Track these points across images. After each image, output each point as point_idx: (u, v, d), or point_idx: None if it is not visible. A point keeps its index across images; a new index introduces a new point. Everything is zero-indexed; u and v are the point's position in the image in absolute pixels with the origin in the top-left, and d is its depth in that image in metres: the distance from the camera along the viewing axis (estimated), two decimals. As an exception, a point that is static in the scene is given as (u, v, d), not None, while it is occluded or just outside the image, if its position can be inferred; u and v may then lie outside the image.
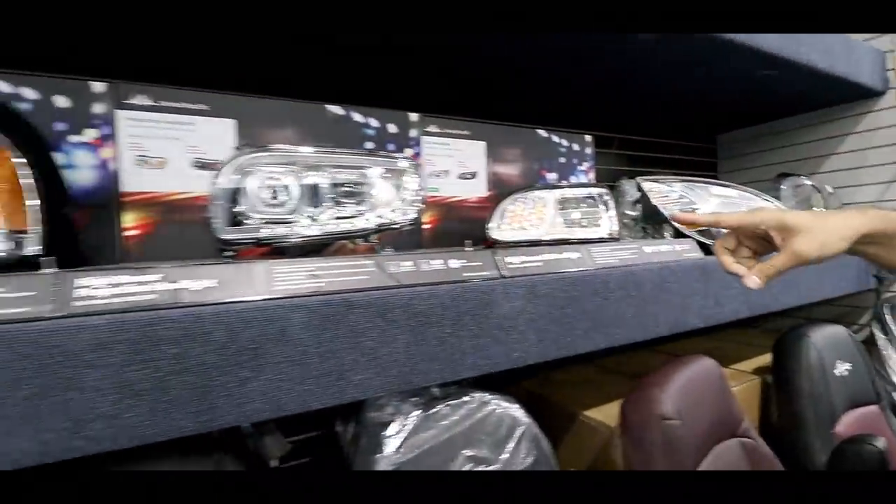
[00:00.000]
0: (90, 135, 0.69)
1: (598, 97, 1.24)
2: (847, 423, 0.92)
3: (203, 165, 0.76)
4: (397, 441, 0.57)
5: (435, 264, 0.64)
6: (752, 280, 0.51)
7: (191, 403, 0.46)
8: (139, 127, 0.71)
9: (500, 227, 0.78)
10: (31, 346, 0.40)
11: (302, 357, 0.51)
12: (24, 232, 0.53)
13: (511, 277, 0.68)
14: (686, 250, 0.94)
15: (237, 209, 0.60)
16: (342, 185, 0.65)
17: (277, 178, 0.61)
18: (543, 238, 0.80)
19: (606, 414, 0.88)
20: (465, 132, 1.01)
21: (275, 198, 0.62)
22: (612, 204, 0.95)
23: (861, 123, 1.34)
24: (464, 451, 0.60)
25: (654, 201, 1.08)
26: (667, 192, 1.10)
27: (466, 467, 0.59)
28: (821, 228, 0.47)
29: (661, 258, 0.88)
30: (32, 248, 0.53)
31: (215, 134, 0.76)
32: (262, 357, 0.49)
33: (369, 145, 0.88)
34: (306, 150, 0.63)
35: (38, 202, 0.54)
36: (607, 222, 0.93)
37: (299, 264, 0.56)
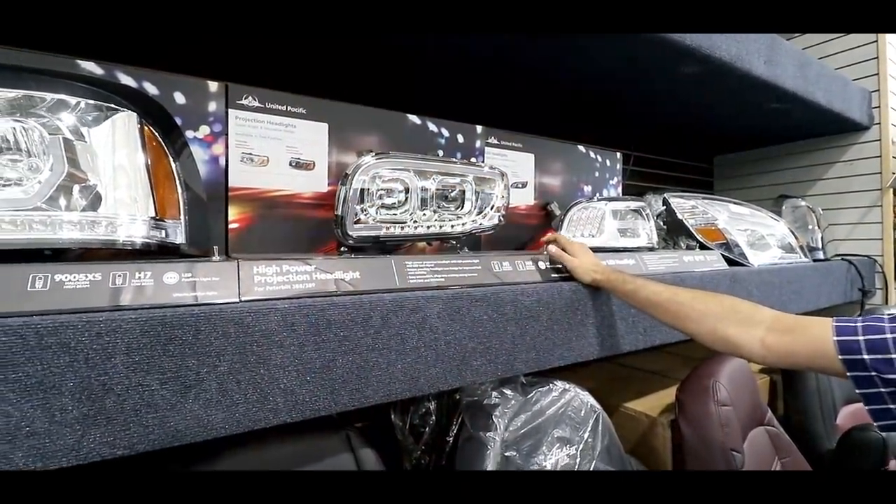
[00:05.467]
0: (204, 131, 0.72)
1: (621, 116, 1.35)
2: (844, 416, 1.06)
3: (298, 165, 0.81)
4: (504, 421, 0.64)
5: (528, 265, 0.72)
6: (550, 247, 0.76)
7: (350, 382, 0.52)
8: (247, 126, 0.76)
9: (569, 233, 0.86)
10: (232, 325, 0.45)
11: (435, 342, 0.58)
12: (175, 220, 0.57)
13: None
14: (714, 260, 1.05)
15: (360, 208, 0.65)
16: (445, 190, 0.72)
17: (396, 182, 0.67)
18: (605, 245, 0.89)
19: (644, 405, 0.98)
20: (518, 144, 1.09)
21: (391, 199, 0.68)
22: (650, 216, 1.05)
23: (847, 153, 1.51)
24: (553, 432, 0.67)
25: (678, 215, 1.20)
26: (690, 207, 1.21)
27: (556, 447, 0.67)
28: (584, 264, 0.72)
29: (696, 267, 0.99)
30: (180, 236, 0.57)
31: (311, 136, 0.81)
32: (406, 342, 0.55)
33: (440, 153, 0.95)
34: (419, 158, 0.70)
35: (184, 192, 0.59)
36: (646, 233, 1.03)
37: (421, 261, 0.63)
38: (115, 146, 0.53)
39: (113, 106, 0.54)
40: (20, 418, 0.37)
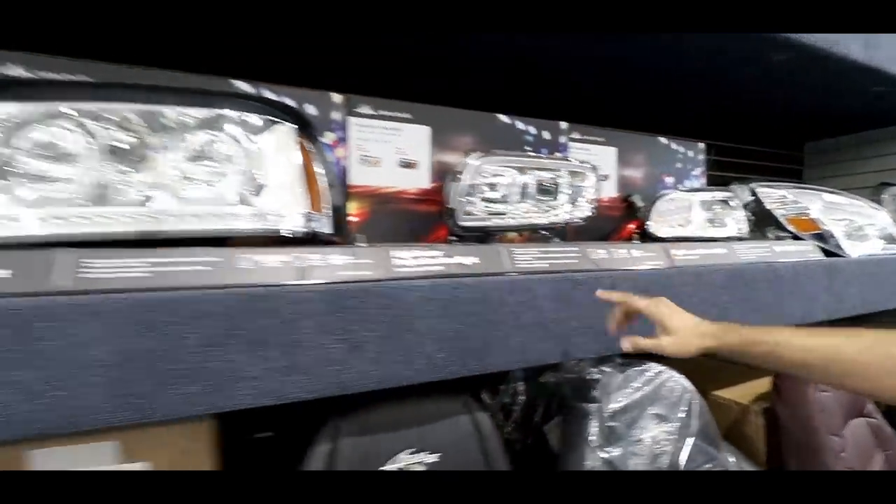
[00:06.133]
0: (330, 137, 0.84)
1: (699, 104, 1.33)
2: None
3: (406, 164, 0.90)
4: (606, 395, 0.70)
5: (622, 253, 0.76)
6: (625, 343, 0.60)
7: (476, 351, 0.60)
8: (363, 132, 0.86)
9: (657, 224, 0.89)
10: (385, 298, 0.55)
11: (543, 320, 0.64)
12: (322, 213, 0.68)
13: (678, 267, 0.80)
14: (809, 251, 1.03)
15: (468, 201, 0.73)
16: (542, 184, 0.78)
17: (499, 177, 0.74)
18: (694, 235, 0.91)
19: (734, 394, 0.99)
20: (600, 139, 1.12)
21: (495, 193, 0.75)
22: (738, 206, 1.05)
23: (961, 137, 1.39)
24: (650, 409, 0.72)
25: (767, 205, 1.18)
26: (779, 197, 1.19)
27: (653, 423, 0.71)
28: (683, 338, 0.57)
29: (789, 257, 0.98)
30: (327, 227, 0.68)
31: (415, 138, 0.91)
32: (519, 318, 0.62)
33: (528, 149, 1.01)
34: (519, 155, 0.76)
35: (328, 188, 0.69)
36: (734, 223, 1.03)
37: (527, 248, 0.70)
38: (279, 152, 0.64)
39: (275, 119, 0.65)
40: (243, 365, 0.48)
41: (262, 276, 0.52)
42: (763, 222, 1.20)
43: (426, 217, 0.90)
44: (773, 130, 1.65)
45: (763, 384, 0.95)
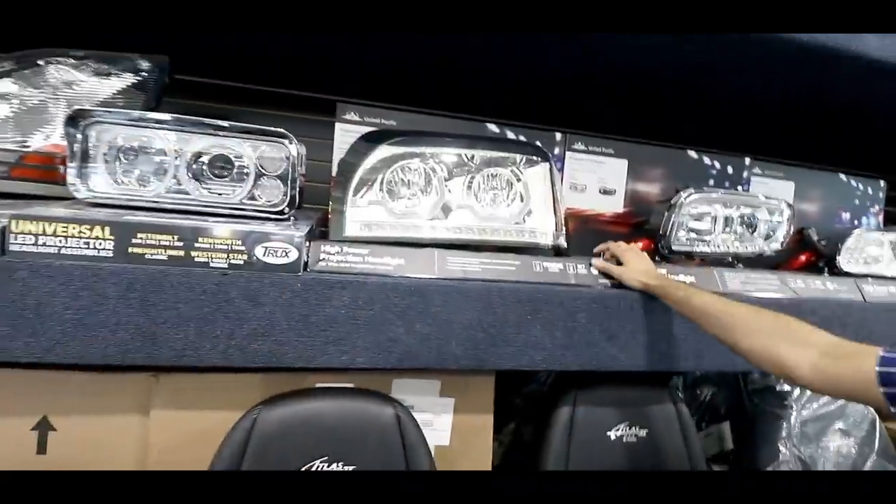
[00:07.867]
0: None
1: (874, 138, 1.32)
2: None
3: (605, 192, 1.08)
4: (798, 404, 0.81)
5: (817, 284, 0.86)
6: (595, 261, 0.77)
7: (696, 353, 0.75)
8: (575, 163, 1.05)
9: (847, 261, 0.97)
10: (634, 302, 0.72)
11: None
12: (561, 231, 0.87)
13: (870, 301, 0.87)
14: None
15: (670, 231, 0.88)
16: (744, 217, 0.91)
17: (705, 210, 0.89)
18: (884, 273, 0.97)
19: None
20: (780, 174, 1.20)
21: (699, 224, 0.89)
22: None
23: None
24: (836, 424, 0.82)
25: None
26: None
27: (839, 436, 0.81)
28: (631, 272, 0.73)
29: None
30: (564, 242, 0.87)
31: (615, 169, 1.08)
32: (731, 330, 0.76)
33: (711, 182, 1.13)
34: (723, 192, 0.90)
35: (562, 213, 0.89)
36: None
37: (736, 272, 0.83)
38: (538, 184, 0.85)
39: (535, 158, 0.86)
40: (539, 339, 0.69)
41: (549, 276, 0.72)
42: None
43: (617, 237, 1.07)
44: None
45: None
